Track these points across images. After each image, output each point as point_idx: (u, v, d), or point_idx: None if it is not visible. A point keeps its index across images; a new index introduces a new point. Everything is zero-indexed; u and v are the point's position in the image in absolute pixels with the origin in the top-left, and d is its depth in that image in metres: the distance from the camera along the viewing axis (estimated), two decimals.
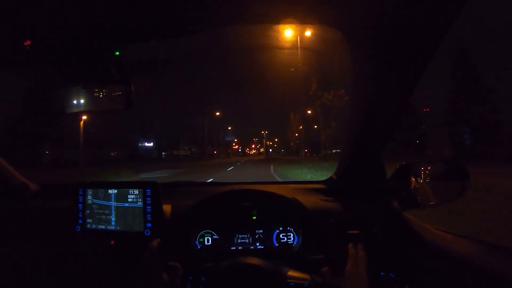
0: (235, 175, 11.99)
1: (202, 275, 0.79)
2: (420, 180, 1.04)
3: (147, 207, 0.95)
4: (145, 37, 0.83)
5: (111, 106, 0.89)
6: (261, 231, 1.00)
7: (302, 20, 0.76)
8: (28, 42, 0.80)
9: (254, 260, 0.77)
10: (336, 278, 0.74)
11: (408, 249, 0.93)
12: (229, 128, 57.82)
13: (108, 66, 0.86)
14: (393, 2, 0.60)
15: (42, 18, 0.72)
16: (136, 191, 0.97)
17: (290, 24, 0.76)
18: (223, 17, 0.71)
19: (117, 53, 0.84)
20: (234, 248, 0.98)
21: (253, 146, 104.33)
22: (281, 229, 0.99)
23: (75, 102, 0.92)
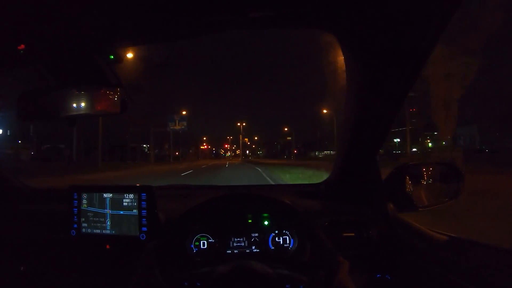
0: None
1: (198, 280, 0.78)
2: (414, 182, 1.05)
3: (142, 211, 0.95)
4: (139, 41, 0.83)
5: (105, 110, 0.89)
6: (256, 234, 0.99)
7: (297, 24, 0.77)
8: (23, 46, 0.79)
9: (249, 263, 0.77)
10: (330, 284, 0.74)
11: (404, 251, 0.93)
12: (184, 112, 32.81)
13: (103, 69, 0.85)
14: (387, 4, 0.61)
15: (36, 22, 0.71)
16: (132, 195, 0.96)
17: (284, 28, 0.77)
18: (217, 22, 0.71)
19: (112, 56, 0.83)
20: (230, 251, 0.98)
21: (227, 146, 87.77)
22: (276, 232, 0.99)
23: (68, 105, 0.91)
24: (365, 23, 0.67)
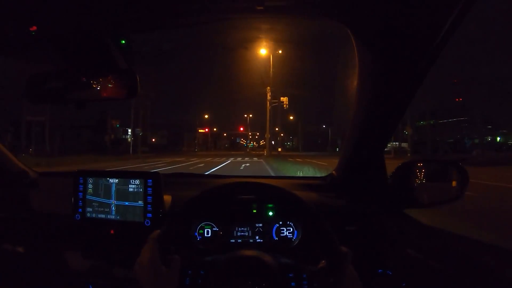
0: None
1: (202, 268, 0.78)
2: (419, 179, 1.05)
3: (148, 197, 0.95)
4: (150, 26, 0.83)
5: (114, 95, 0.89)
6: (260, 224, 1.00)
7: (309, 14, 0.76)
8: (34, 28, 0.79)
9: (252, 253, 0.77)
10: (333, 274, 0.74)
11: (406, 247, 0.93)
12: None
13: (114, 54, 0.85)
14: None
15: (48, 3, 0.71)
16: (137, 181, 0.97)
17: (297, 18, 0.76)
18: (230, 8, 0.71)
19: (123, 41, 0.83)
20: (234, 240, 0.98)
21: (242, 128, 50.79)
22: (281, 223, 1.00)
23: (77, 90, 0.91)
24: (378, 13, 0.66)
